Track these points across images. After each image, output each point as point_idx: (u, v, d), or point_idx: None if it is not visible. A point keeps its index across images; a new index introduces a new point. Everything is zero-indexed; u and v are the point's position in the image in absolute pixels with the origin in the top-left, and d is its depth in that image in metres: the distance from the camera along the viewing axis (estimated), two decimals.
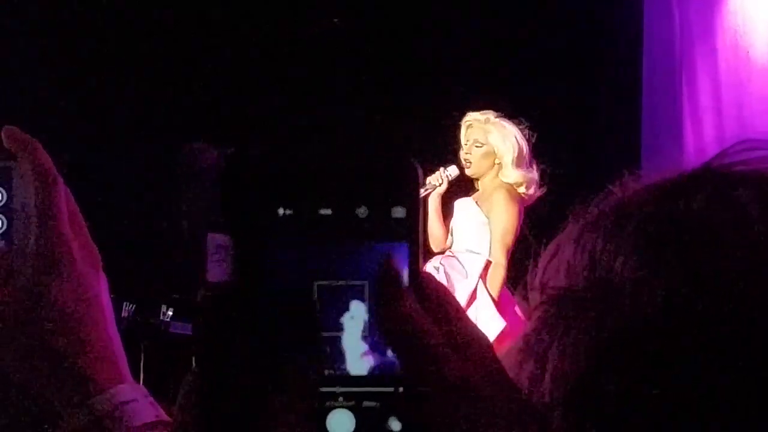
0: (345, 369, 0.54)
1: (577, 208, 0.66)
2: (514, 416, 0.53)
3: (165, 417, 0.76)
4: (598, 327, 0.59)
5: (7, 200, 0.78)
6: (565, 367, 0.59)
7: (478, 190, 4.96)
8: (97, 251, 0.80)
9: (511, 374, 0.57)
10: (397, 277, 0.53)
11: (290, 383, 0.52)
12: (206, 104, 5.92)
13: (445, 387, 0.52)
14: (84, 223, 0.80)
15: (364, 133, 5.42)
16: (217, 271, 0.54)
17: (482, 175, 4.90)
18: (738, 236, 0.59)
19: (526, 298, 0.65)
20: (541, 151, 4.90)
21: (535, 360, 0.61)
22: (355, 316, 0.54)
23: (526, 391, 0.60)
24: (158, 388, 0.84)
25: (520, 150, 4.81)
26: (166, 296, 5.40)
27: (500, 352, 0.58)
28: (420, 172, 0.55)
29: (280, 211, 0.54)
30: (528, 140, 4.84)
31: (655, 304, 0.57)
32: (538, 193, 4.84)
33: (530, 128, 4.85)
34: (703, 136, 5.54)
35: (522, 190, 4.83)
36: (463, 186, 4.97)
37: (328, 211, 0.54)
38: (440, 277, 4.66)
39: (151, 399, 0.77)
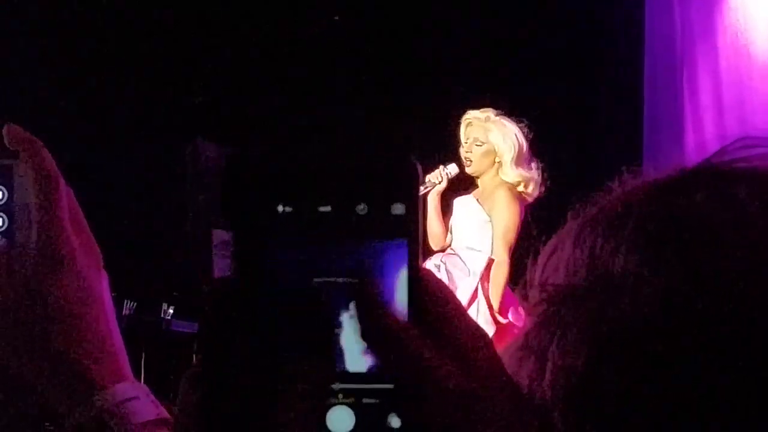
0: (345, 366, 0.54)
1: (577, 206, 0.66)
2: (515, 415, 0.53)
3: (166, 415, 0.76)
4: (598, 325, 0.59)
5: (8, 198, 0.78)
6: (564, 365, 0.59)
7: (477, 187, 4.96)
8: (98, 249, 0.80)
9: (510, 372, 0.57)
10: (375, 291, 0.53)
11: (291, 382, 0.52)
12: (206, 104, 5.93)
13: (440, 391, 0.52)
14: (85, 221, 0.80)
15: (364, 133, 5.42)
16: (222, 266, 0.54)
17: (482, 174, 4.91)
18: (738, 235, 0.59)
19: (525, 296, 0.65)
20: (543, 151, 4.90)
21: (535, 358, 0.61)
22: (355, 315, 0.54)
23: (526, 390, 0.60)
24: (159, 386, 0.84)
25: (520, 148, 4.82)
26: (167, 294, 5.40)
27: (500, 350, 0.58)
28: (419, 169, 0.55)
29: (280, 208, 0.54)
30: (528, 138, 4.85)
31: (655, 302, 0.57)
32: (538, 192, 4.84)
33: (529, 126, 4.86)
34: (704, 134, 5.54)
35: (522, 188, 4.83)
36: (461, 184, 4.97)
37: (328, 209, 0.54)
38: (441, 275, 4.66)
39: (152, 397, 0.77)
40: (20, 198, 0.77)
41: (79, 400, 0.75)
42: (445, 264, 4.81)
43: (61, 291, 0.76)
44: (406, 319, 0.54)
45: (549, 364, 0.60)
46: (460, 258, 4.81)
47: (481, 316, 4.62)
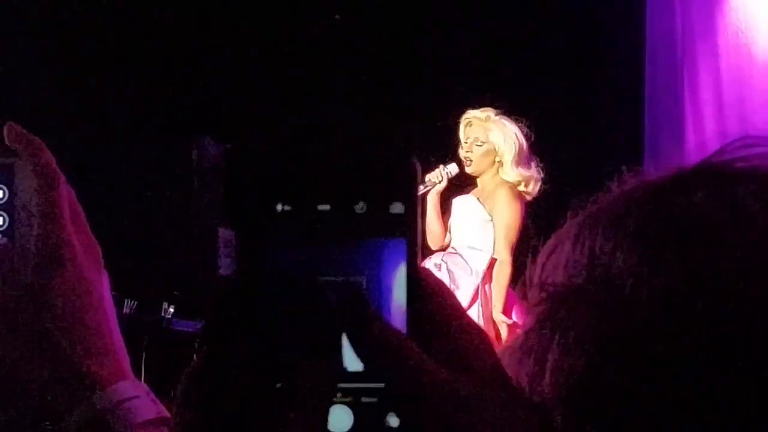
0: (343, 365, 0.54)
1: (576, 206, 0.66)
2: (514, 415, 0.53)
3: (166, 414, 0.76)
4: (598, 325, 0.59)
5: (9, 197, 0.78)
6: (564, 364, 0.59)
7: (475, 187, 4.97)
8: (99, 248, 0.80)
9: (510, 372, 0.57)
10: (363, 300, 0.53)
11: (291, 382, 0.52)
12: (206, 104, 5.92)
13: (438, 395, 0.52)
14: (85, 220, 0.80)
15: (364, 133, 5.42)
16: (226, 265, 0.54)
17: (482, 173, 4.91)
18: (738, 235, 0.59)
19: (525, 296, 0.65)
20: (544, 150, 4.90)
21: (535, 358, 0.61)
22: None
23: (526, 390, 0.60)
24: (160, 386, 0.84)
25: (520, 148, 4.82)
26: (167, 294, 5.40)
27: (500, 349, 0.58)
28: (418, 168, 0.55)
29: (279, 207, 0.54)
30: (527, 138, 4.85)
31: (655, 302, 0.57)
32: (537, 191, 4.85)
33: (529, 126, 4.86)
34: (705, 133, 5.54)
35: (522, 188, 4.84)
36: (460, 183, 4.98)
37: (327, 208, 0.54)
38: (442, 274, 4.67)
39: (153, 396, 0.77)
40: (21, 197, 0.77)
41: (78, 400, 0.75)
42: (446, 263, 4.81)
43: (62, 290, 0.76)
44: (405, 319, 0.54)
45: (549, 364, 0.60)
46: (462, 257, 4.81)
47: (483, 315, 4.62)
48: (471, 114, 4.93)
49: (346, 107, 5.83)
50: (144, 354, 4.58)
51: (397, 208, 0.54)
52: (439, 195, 4.90)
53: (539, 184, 4.84)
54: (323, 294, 0.53)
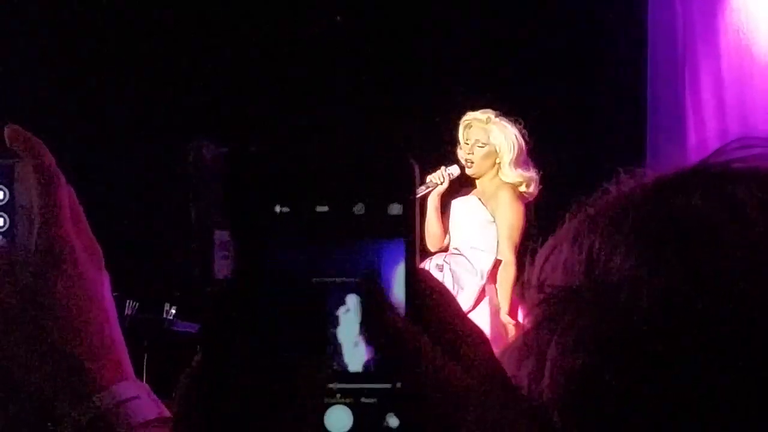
0: (343, 365, 0.54)
1: (574, 206, 0.66)
2: (514, 415, 0.53)
3: (167, 414, 0.76)
4: (597, 325, 0.59)
5: (9, 198, 0.78)
6: (564, 365, 0.59)
7: (474, 188, 4.97)
8: (99, 249, 0.80)
9: (510, 373, 0.57)
10: (380, 288, 0.53)
11: (291, 382, 0.52)
12: (206, 104, 5.92)
13: (442, 391, 0.52)
14: (86, 221, 0.80)
15: (364, 133, 5.42)
16: (223, 267, 0.54)
17: (483, 175, 4.91)
18: (738, 235, 0.59)
19: (524, 297, 0.66)
20: (545, 151, 4.90)
21: (534, 358, 0.61)
22: (352, 313, 0.54)
23: (526, 390, 0.60)
24: (161, 386, 0.84)
25: (520, 149, 4.83)
26: (169, 295, 5.40)
27: (500, 350, 0.58)
28: (417, 168, 0.55)
29: (277, 208, 0.54)
30: (526, 139, 4.86)
31: (655, 302, 0.57)
32: (536, 192, 4.85)
33: (528, 127, 4.86)
34: (707, 134, 5.54)
35: (523, 189, 4.84)
36: (458, 185, 4.98)
37: (325, 209, 0.54)
38: (445, 275, 4.67)
39: (154, 396, 0.77)
40: (21, 198, 0.77)
41: (79, 400, 0.75)
42: (449, 264, 4.81)
43: (62, 290, 0.76)
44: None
45: (548, 365, 0.60)
46: (466, 258, 4.81)
47: (488, 316, 4.61)
48: (471, 116, 4.93)
49: (345, 107, 5.83)
50: (146, 355, 4.58)
51: (396, 209, 0.54)
52: (439, 196, 4.90)
53: (538, 184, 4.85)
54: (320, 295, 0.53)
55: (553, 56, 5.89)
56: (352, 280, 0.54)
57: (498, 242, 4.77)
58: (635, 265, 0.59)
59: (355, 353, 0.54)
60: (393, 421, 0.53)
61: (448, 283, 4.46)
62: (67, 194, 0.77)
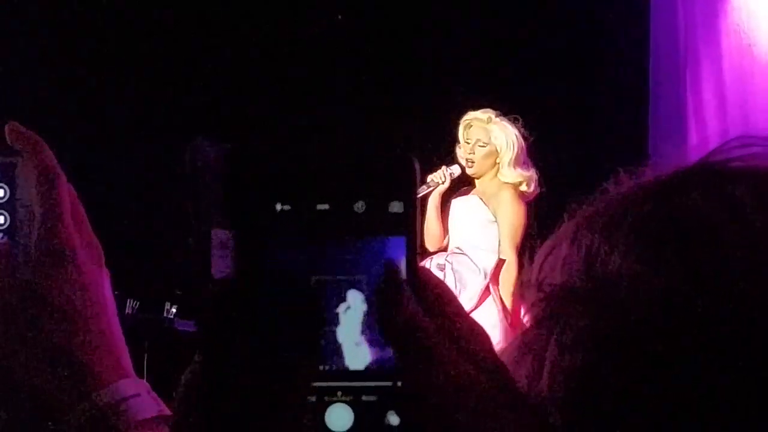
0: (343, 364, 0.54)
1: (573, 206, 0.66)
2: (514, 414, 0.53)
3: (167, 412, 0.76)
4: (596, 324, 0.59)
5: (10, 196, 0.78)
6: (563, 364, 0.59)
7: (474, 188, 4.97)
8: (100, 247, 0.80)
9: (509, 371, 0.57)
10: (400, 279, 0.53)
11: (291, 382, 0.52)
12: (206, 104, 5.92)
13: (445, 387, 0.52)
14: (87, 219, 0.80)
15: (364, 133, 5.42)
16: (221, 267, 0.54)
17: (483, 174, 4.91)
18: (737, 235, 0.59)
19: (523, 296, 0.66)
20: (546, 151, 4.90)
21: (534, 358, 0.61)
22: (353, 311, 0.54)
23: (525, 388, 0.60)
24: (162, 385, 0.84)
25: (520, 149, 4.83)
26: (169, 293, 5.40)
27: (499, 350, 0.58)
28: (417, 166, 0.55)
29: (278, 206, 0.54)
30: (525, 139, 4.86)
31: (655, 302, 0.57)
32: (536, 192, 4.86)
33: (528, 127, 4.87)
34: (708, 133, 5.54)
35: (523, 188, 4.85)
36: (458, 185, 4.98)
37: (326, 207, 0.54)
38: (447, 274, 4.67)
39: (154, 394, 0.77)
40: (22, 196, 0.77)
41: (79, 398, 0.75)
42: (451, 264, 4.81)
43: (63, 288, 0.76)
44: None
45: (547, 363, 0.60)
46: (468, 257, 4.81)
47: (492, 316, 4.61)
48: (471, 115, 4.93)
49: (346, 107, 5.83)
50: (146, 354, 4.58)
51: (396, 206, 0.54)
52: (440, 196, 4.91)
53: (537, 184, 4.85)
54: (320, 294, 0.53)
55: (554, 56, 5.89)
56: (353, 277, 0.54)
57: (500, 242, 4.77)
58: (635, 264, 0.59)
59: (355, 351, 0.54)
60: (394, 419, 0.53)
61: (450, 283, 4.46)
62: (67, 192, 0.77)
